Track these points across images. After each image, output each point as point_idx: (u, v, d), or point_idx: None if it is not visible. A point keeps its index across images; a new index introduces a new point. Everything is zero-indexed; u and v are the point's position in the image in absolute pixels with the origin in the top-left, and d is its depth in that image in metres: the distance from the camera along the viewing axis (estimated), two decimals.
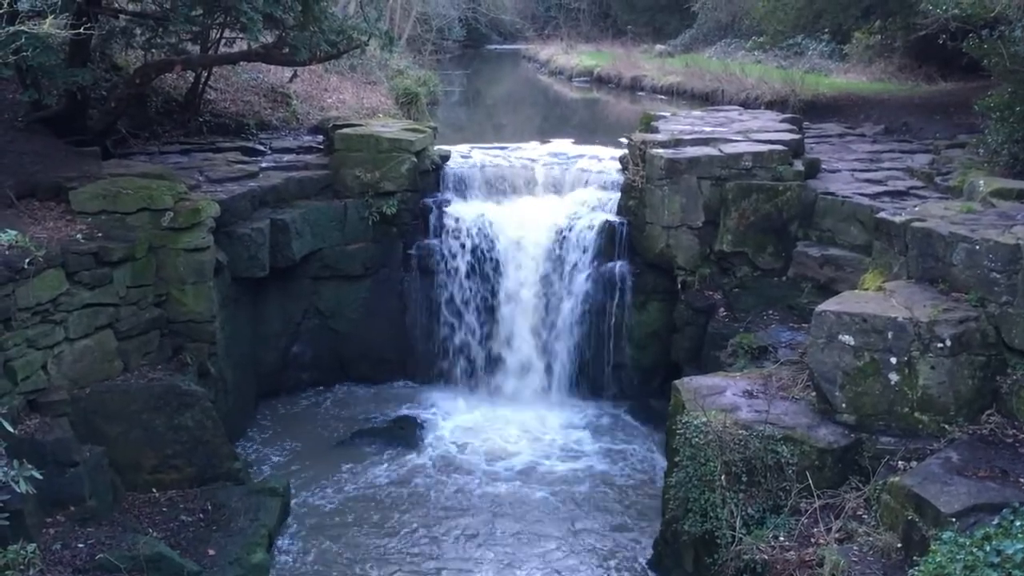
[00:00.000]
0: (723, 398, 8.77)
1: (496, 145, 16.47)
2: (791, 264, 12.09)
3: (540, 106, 34.74)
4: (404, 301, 14.15)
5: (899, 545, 6.98)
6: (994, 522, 6.36)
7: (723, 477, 7.96)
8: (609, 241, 13.34)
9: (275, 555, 10.03)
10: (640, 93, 32.92)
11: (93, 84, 12.72)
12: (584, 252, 13.46)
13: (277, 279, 13.09)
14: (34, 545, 8.03)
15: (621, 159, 14.03)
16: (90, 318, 10.15)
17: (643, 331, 13.42)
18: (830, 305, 8.34)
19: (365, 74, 22.52)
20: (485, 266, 13.89)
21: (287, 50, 13.15)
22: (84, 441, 9.58)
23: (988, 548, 6.05)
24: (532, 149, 15.91)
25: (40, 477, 7.31)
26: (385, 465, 12.01)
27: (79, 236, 10.20)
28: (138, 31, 13.51)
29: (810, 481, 7.85)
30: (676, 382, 9.34)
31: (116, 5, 13.48)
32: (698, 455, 8.15)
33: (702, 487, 8.13)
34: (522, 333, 13.90)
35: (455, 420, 13.28)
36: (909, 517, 6.91)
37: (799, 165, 12.49)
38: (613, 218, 13.39)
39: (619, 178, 13.74)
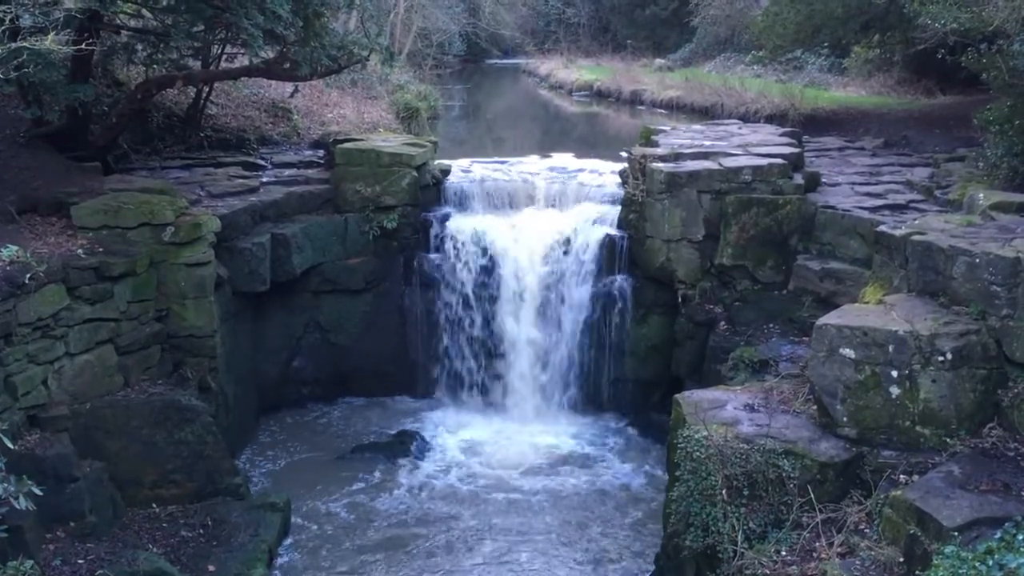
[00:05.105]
0: (724, 412, 8.76)
1: (496, 159, 16.52)
2: (791, 277, 12.10)
3: (540, 120, 34.81)
4: (405, 315, 14.15)
5: (901, 559, 6.95)
6: (996, 536, 6.34)
7: (724, 491, 7.93)
8: (609, 255, 13.35)
9: (275, 571, 10.00)
10: (640, 107, 33.00)
11: (95, 100, 12.75)
12: (584, 266, 13.47)
13: (278, 293, 13.10)
14: (32, 561, 8.03)
15: (621, 173, 14.05)
16: (91, 333, 10.15)
17: (644, 345, 13.41)
18: (831, 319, 8.33)
19: (366, 89, 22.59)
20: (485, 280, 13.89)
21: (288, 65, 13.23)
22: (84, 456, 9.56)
23: (991, 562, 6.03)
24: (532, 163, 15.95)
25: (40, 493, 7.32)
26: (386, 480, 11.99)
27: (80, 251, 10.22)
28: (140, 47, 13.57)
29: (812, 495, 7.83)
30: (677, 396, 9.33)
31: (118, 21, 13.55)
32: (699, 469, 8.13)
33: (703, 501, 8.10)
34: (522, 347, 13.89)
35: (456, 434, 13.27)
36: (911, 531, 6.88)
37: (799, 179, 12.50)
38: (613, 232, 13.40)
39: (619, 192, 13.76)
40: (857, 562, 7.10)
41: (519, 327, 13.85)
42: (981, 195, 10.31)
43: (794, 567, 7.32)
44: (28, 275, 9.22)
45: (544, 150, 18.25)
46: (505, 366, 14.02)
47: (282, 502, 10.67)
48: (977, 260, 8.06)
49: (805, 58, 28.14)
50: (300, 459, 12.58)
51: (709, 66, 35.63)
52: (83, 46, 10.18)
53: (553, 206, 14.27)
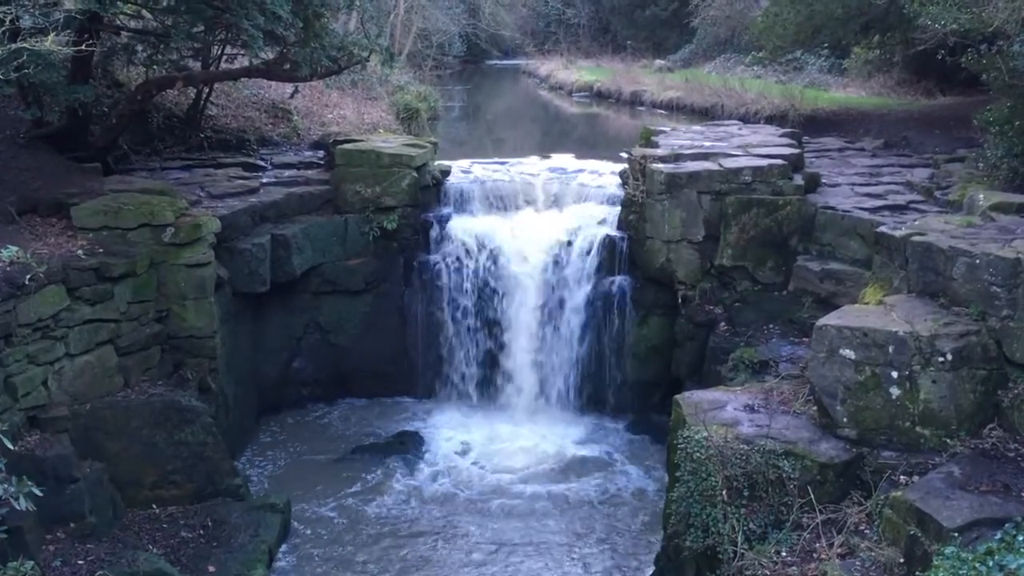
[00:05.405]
0: (724, 412, 8.76)
1: (496, 160, 16.52)
2: (791, 278, 12.10)
3: (540, 121, 34.83)
4: (405, 316, 14.15)
5: (901, 560, 6.95)
6: (996, 537, 6.34)
7: (724, 492, 7.93)
8: (609, 256, 13.35)
9: (275, 572, 10.00)
10: (640, 108, 33.02)
11: (95, 100, 12.76)
12: (585, 267, 13.47)
13: (278, 294, 13.10)
14: (32, 562, 8.03)
15: (621, 174, 14.06)
16: (91, 334, 10.15)
17: (644, 345, 13.41)
18: (831, 319, 8.33)
19: (366, 90, 22.60)
20: (485, 281, 13.89)
21: (288, 66, 13.23)
22: (84, 457, 9.56)
23: (991, 563, 6.03)
24: (532, 164, 15.93)
25: (40, 493, 7.34)
26: (386, 481, 11.98)
27: (80, 252, 10.22)
28: (140, 48, 13.57)
29: (812, 496, 7.83)
30: (677, 396, 9.33)
31: (118, 22, 13.54)
32: (699, 470, 8.13)
33: (703, 502, 8.11)
34: (523, 348, 13.88)
35: (456, 435, 13.26)
36: (911, 532, 6.88)
37: (799, 179, 12.50)
38: (613, 233, 13.41)
39: (619, 192, 13.76)
40: (857, 563, 7.10)
41: (519, 327, 13.85)
42: (981, 196, 10.31)
43: (794, 568, 7.32)
44: (28, 276, 9.22)
45: (544, 151, 18.24)
46: (505, 367, 14.01)
47: (282, 503, 10.66)
48: (977, 261, 8.06)
49: (805, 59, 28.15)
50: (300, 460, 12.57)
51: (709, 67, 35.64)
52: (83, 47, 10.17)
53: (553, 207, 14.27)
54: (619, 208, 13.51)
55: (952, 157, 14.45)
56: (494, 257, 13.82)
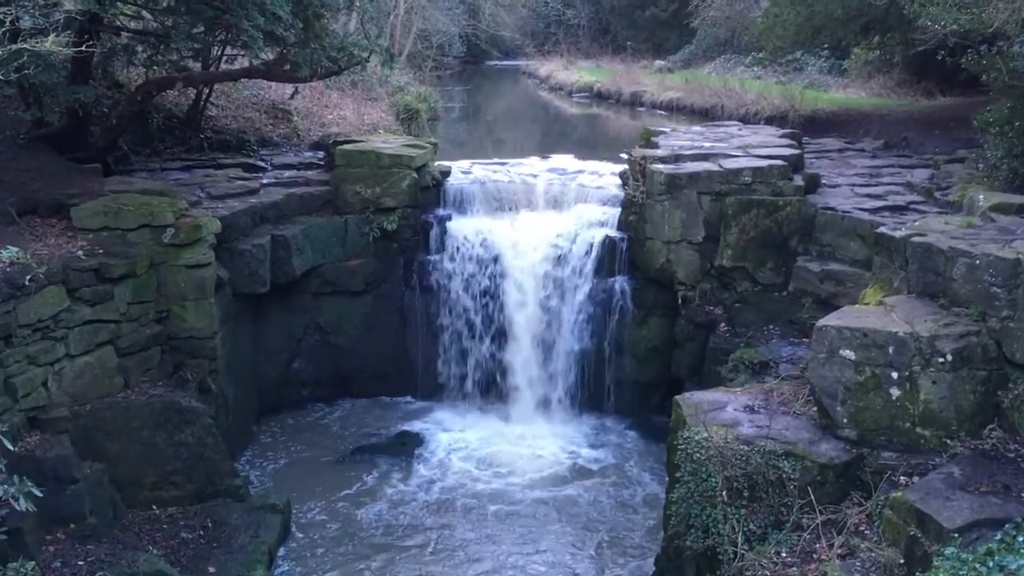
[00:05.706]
0: (724, 413, 8.76)
1: (496, 160, 16.51)
2: (791, 279, 12.09)
3: (540, 122, 34.84)
4: (405, 317, 14.15)
5: (901, 561, 6.95)
6: (997, 537, 6.34)
7: (725, 493, 7.93)
8: (609, 256, 13.36)
9: (275, 573, 9.99)
10: (640, 108, 33.05)
11: (95, 101, 12.77)
12: (585, 267, 13.47)
13: (278, 295, 13.10)
14: (33, 563, 8.03)
15: (621, 174, 14.06)
16: (91, 334, 10.15)
17: (644, 346, 13.41)
18: (831, 320, 8.33)
19: (366, 90, 22.62)
20: (485, 282, 13.90)
21: (288, 67, 13.24)
22: (84, 458, 9.55)
23: (991, 564, 6.04)
24: (532, 164, 15.93)
25: (40, 494, 7.34)
26: (386, 481, 11.98)
27: (80, 253, 10.22)
28: (140, 48, 13.58)
29: (812, 496, 7.83)
30: (677, 397, 9.33)
31: (118, 23, 13.55)
32: (699, 471, 8.13)
33: (704, 503, 8.10)
34: (523, 348, 13.89)
35: (456, 436, 13.26)
36: (911, 532, 6.88)
37: (799, 180, 12.50)
38: (613, 233, 13.41)
39: (619, 193, 13.77)
40: (857, 563, 7.10)
41: (518, 328, 13.85)
42: (981, 196, 10.31)
43: (794, 568, 7.32)
44: (28, 277, 9.22)
45: (544, 151, 18.24)
46: (505, 367, 14.01)
47: (282, 504, 10.66)
48: (977, 262, 8.06)
49: (805, 60, 28.15)
50: (300, 461, 12.57)
51: (709, 67, 35.66)
52: (83, 48, 10.17)
53: (553, 208, 14.28)
54: (619, 209, 13.51)
55: (952, 158, 14.45)
56: (493, 258, 13.81)
